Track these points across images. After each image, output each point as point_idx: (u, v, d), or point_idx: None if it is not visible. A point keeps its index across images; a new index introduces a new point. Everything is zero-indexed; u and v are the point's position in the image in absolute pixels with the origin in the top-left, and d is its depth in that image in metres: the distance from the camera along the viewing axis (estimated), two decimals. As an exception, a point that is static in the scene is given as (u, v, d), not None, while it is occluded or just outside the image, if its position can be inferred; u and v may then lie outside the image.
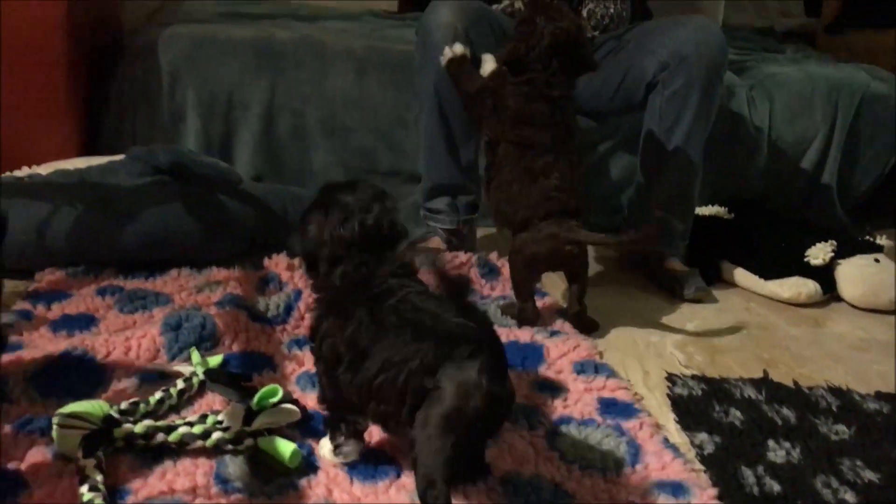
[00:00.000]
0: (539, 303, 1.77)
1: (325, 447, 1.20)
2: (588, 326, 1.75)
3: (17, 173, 1.88)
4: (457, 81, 1.82)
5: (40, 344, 1.44)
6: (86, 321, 1.57)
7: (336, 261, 1.15)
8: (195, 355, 1.39)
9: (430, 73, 1.93)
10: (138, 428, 1.15)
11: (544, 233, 1.67)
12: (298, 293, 1.68)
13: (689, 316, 1.93)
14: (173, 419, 1.23)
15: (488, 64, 1.79)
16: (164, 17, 2.49)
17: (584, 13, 2.04)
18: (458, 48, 1.81)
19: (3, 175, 1.88)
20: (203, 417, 1.21)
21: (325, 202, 1.18)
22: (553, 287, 1.93)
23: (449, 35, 1.87)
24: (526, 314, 1.72)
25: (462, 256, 1.96)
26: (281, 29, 2.45)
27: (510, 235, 1.76)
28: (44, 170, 1.89)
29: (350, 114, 2.34)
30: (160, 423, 1.19)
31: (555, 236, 1.67)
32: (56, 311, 1.61)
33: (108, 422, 1.16)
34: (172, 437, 1.16)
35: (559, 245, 1.67)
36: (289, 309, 1.64)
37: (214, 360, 1.40)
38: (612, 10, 2.06)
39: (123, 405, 1.22)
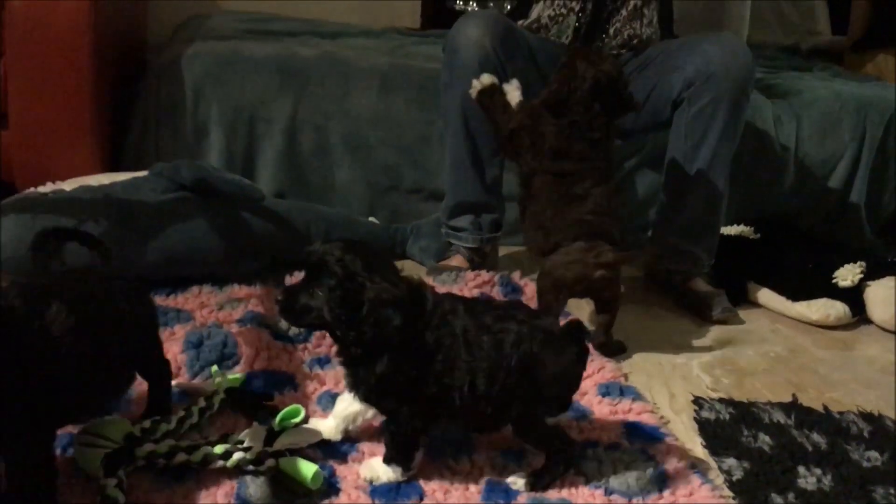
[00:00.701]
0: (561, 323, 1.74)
1: (380, 470, 1.20)
2: (614, 351, 1.72)
3: (42, 189, 1.89)
4: (489, 113, 1.78)
5: (62, 360, 1.43)
6: (108, 337, 1.56)
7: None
8: (216, 373, 1.39)
9: (456, 92, 1.91)
10: (160, 447, 1.15)
11: (573, 256, 1.64)
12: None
13: (715, 337, 1.90)
14: (195, 438, 1.23)
15: (514, 93, 1.76)
16: (188, 33, 2.50)
17: (611, 31, 2.03)
18: (486, 78, 1.77)
19: (27, 191, 1.89)
20: (225, 437, 1.20)
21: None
22: (577, 308, 1.91)
23: (477, 53, 1.86)
24: None
25: (484, 275, 1.94)
26: (304, 46, 2.45)
27: (538, 260, 1.74)
28: (68, 186, 1.89)
29: (373, 131, 2.33)
30: (182, 442, 1.18)
31: (584, 261, 1.63)
32: (78, 326, 1.61)
33: (130, 440, 1.15)
34: (194, 457, 1.15)
35: (588, 270, 1.64)
36: (311, 328, 1.62)
37: (236, 379, 1.39)
38: (639, 31, 2.04)
39: (146, 424, 1.21)
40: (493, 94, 1.76)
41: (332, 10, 3.01)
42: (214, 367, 1.41)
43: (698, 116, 1.88)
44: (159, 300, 1.74)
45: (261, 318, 1.61)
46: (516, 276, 1.97)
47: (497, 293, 1.90)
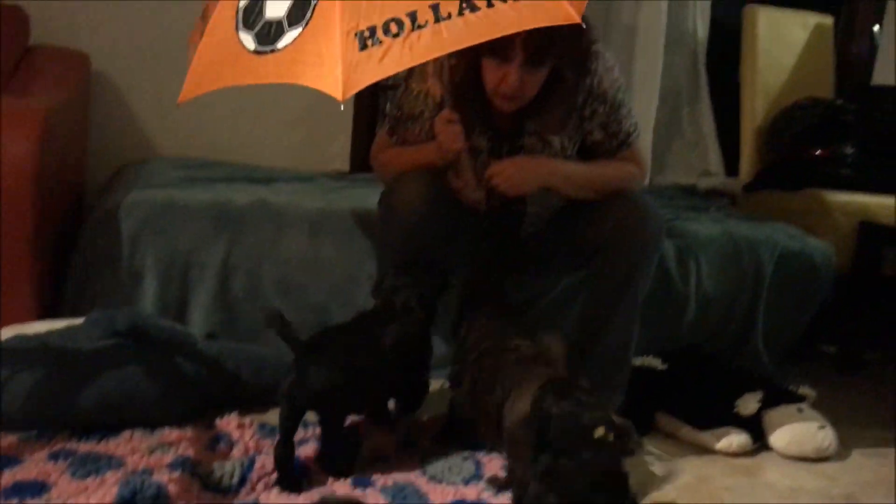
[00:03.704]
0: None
1: None
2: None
3: (-22, 336, 1.93)
4: None
5: (-9, 514, 1.45)
6: (37, 488, 1.59)
7: None
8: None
9: (392, 250, 2.03)
10: None
11: None
12: (252, 461, 1.74)
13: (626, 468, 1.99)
14: None
15: None
16: (126, 181, 2.59)
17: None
18: None
19: (-39, 340, 1.92)
20: None
21: None
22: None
23: (412, 215, 1.95)
24: None
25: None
26: (238, 192, 2.55)
27: None
28: (3, 334, 1.94)
29: (304, 272, 2.42)
30: None
31: None
32: (7, 478, 1.62)
33: None
34: None
35: None
36: (242, 478, 1.68)
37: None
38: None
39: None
40: None
41: (264, 154, 3.15)
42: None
43: (614, 268, 1.99)
44: (90, 446, 1.77)
45: (192, 466, 1.66)
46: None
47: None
